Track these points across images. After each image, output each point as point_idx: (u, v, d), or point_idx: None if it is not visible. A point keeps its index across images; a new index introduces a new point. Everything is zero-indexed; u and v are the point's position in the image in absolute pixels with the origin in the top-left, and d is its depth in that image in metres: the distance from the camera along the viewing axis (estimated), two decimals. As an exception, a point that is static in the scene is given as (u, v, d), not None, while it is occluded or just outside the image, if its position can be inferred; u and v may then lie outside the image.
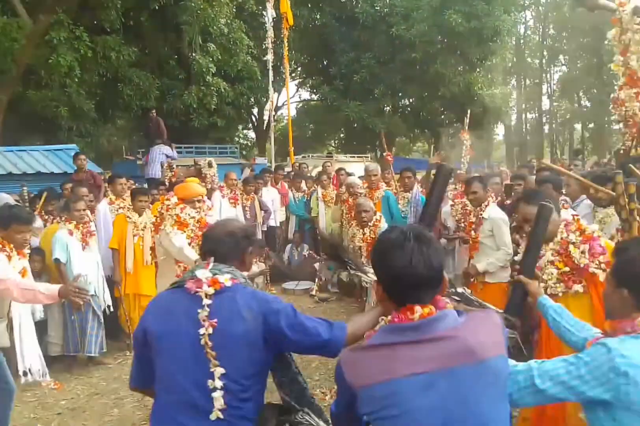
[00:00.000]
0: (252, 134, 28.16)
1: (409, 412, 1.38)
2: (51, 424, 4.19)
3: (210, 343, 1.83)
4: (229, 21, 16.08)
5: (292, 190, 9.09)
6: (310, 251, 8.40)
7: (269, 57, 14.07)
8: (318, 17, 21.94)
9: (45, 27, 11.76)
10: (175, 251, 4.89)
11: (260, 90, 18.09)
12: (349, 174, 8.63)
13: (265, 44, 14.90)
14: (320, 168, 10.53)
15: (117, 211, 6.16)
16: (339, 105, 21.36)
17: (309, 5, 21.43)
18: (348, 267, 2.53)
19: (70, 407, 4.47)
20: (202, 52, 15.56)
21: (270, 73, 14.22)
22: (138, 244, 5.69)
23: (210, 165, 7.46)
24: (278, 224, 8.88)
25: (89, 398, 4.63)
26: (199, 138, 16.89)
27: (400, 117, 22.94)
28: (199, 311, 1.86)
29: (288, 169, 11.41)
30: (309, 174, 10.54)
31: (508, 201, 5.87)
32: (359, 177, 7.92)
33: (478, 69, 21.58)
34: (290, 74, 16.39)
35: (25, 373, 3.73)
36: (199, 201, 5.12)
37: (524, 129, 38.97)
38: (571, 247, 2.93)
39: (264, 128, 24.27)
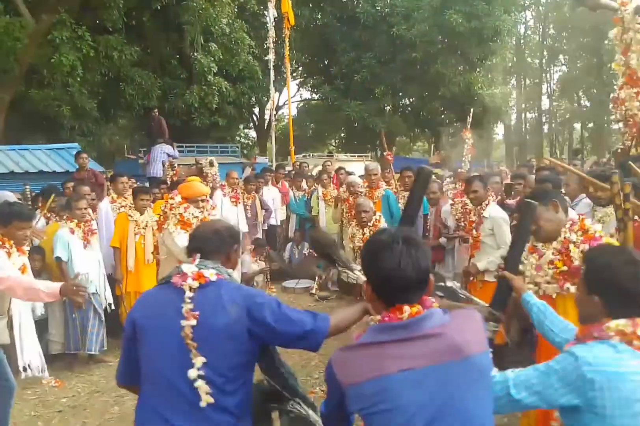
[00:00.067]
0: (253, 133, 28.19)
1: (398, 407, 1.43)
2: (52, 422, 4.21)
3: (190, 335, 1.87)
4: (230, 21, 16.09)
5: (292, 189, 9.11)
6: (311, 250, 8.42)
7: (271, 56, 14.08)
8: (319, 17, 21.93)
9: (48, 26, 11.80)
10: (178, 251, 4.89)
11: (262, 89, 18.10)
12: (350, 173, 8.65)
13: (266, 44, 14.90)
14: (320, 167, 10.55)
15: (119, 209, 6.19)
16: (339, 104, 21.36)
17: (310, 5, 21.43)
18: (336, 264, 2.61)
19: (71, 405, 4.49)
20: (204, 52, 15.57)
21: (272, 73, 14.23)
22: (139, 242, 5.72)
23: (211, 164, 7.47)
24: (279, 223, 8.90)
25: (89, 396, 4.65)
26: (200, 137, 16.91)
27: (401, 117, 22.96)
28: (183, 304, 1.91)
29: (289, 168, 11.43)
30: (309, 173, 10.56)
31: (508, 200, 5.89)
32: (359, 176, 7.94)
33: (478, 69, 21.59)
34: (291, 74, 16.38)
35: (24, 369, 3.76)
36: (202, 200, 5.12)
37: (523, 129, 38.95)
38: (571, 246, 2.94)
39: (265, 127, 24.27)
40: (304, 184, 9.18)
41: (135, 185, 7.56)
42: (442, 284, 2.50)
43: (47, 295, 3.16)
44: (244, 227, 7.53)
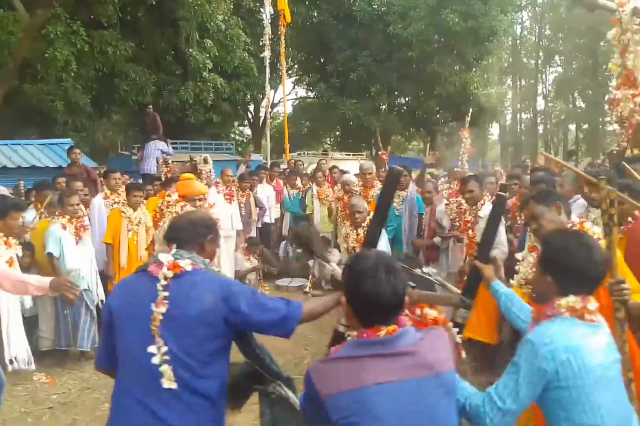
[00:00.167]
0: (247, 130, 28.15)
1: (373, 418, 1.54)
2: (42, 418, 4.18)
3: (159, 321, 1.93)
4: (226, 17, 16.05)
5: (287, 187, 9.09)
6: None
7: (266, 54, 14.07)
8: (315, 14, 21.92)
9: (42, 21, 11.70)
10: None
11: (257, 87, 18.08)
12: (344, 172, 8.64)
13: (262, 41, 14.88)
14: (315, 166, 10.53)
15: (112, 205, 6.15)
16: (335, 103, 21.34)
17: (307, 3, 21.41)
18: (315, 256, 2.74)
19: (62, 401, 4.46)
20: (199, 48, 15.53)
21: (267, 70, 14.21)
22: (132, 239, 5.69)
23: (205, 161, 7.43)
24: (273, 221, 8.89)
25: (80, 393, 4.62)
26: (194, 134, 16.85)
27: (396, 116, 22.97)
28: (158, 292, 1.97)
29: (283, 166, 11.41)
30: (304, 172, 10.54)
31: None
32: (354, 175, 7.92)
33: (474, 69, 21.62)
34: (286, 71, 16.40)
35: (11, 361, 3.75)
36: (200, 199, 5.10)
37: (518, 129, 39.06)
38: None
39: (260, 125, 24.24)
40: (298, 182, 9.16)
41: (128, 181, 7.51)
42: (419, 270, 2.62)
43: (36, 289, 3.14)
44: (238, 225, 7.50)
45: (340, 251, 6.90)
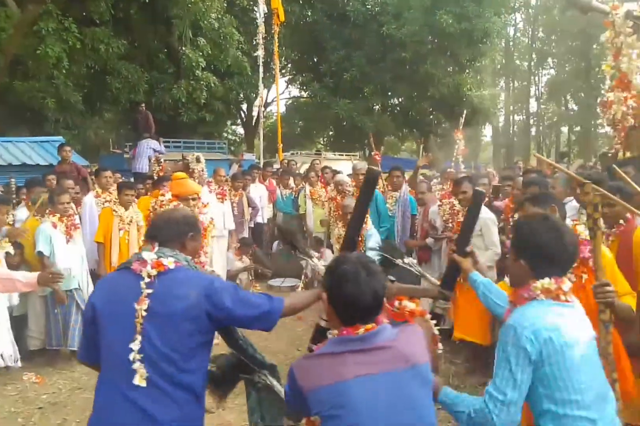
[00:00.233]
0: (240, 129, 28.09)
1: (354, 409, 1.64)
2: (32, 418, 4.15)
3: (141, 318, 1.97)
4: (219, 16, 16.00)
5: (280, 187, 9.07)
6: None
7: (260, 52, 14.00)
8: (309, 14, 21.89)
9: (34, 17, 11.63)
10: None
11: (250, 86, 18.03)
12: (337, 172, 8.63)
13: (255, 40, 14.87)
14: (308, 165, 10.51)
15: (103, 204, 6.11)
16: (328, 103, 21.34)
17: (300, 2, 21.38)
18: (298, 252, 2.82)
19: (52, 401, 4.44)
20: (192, 47, 15.47)
21: (261, 69, 14.17)
22: (124, 238, 5.65)
23: (198, 160, 7.40)
24: (265, 221, 8.87)
25: (70, 393, 4.60)
26: (187, 133, 16.79)
27: (390, 116, 22.98)
28: (142, 290, 2.01)
29: (276, 166, 11.38)
30: (297, 172, 10.53)
31: (496, 202, 5.92)
32: (347, 175, 7.91)
33: (467, 70, 21.70)
34: (280, 71, 16.37)
35: None
36: (194, 199, 5.07)
37: (511, 131, 39.22)
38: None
39: (253, 124, 24.19)
40: (291, 182, 9.14)
41: (120, 180, 7.47)
42: (400, 261, 2.72)
43: (24, 285, 3.13)
44: (230, 224, 7.47)
45: (333, 252, 6.90)
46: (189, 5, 14.46)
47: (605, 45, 5.89)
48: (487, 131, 39.27)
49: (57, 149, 8.68)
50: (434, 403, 1.81)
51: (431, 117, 22.56)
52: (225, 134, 23.86)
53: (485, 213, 4.69)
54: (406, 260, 2.76)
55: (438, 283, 2.78)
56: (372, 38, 20.88)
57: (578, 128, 35.03)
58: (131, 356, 1.95)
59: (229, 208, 7.60)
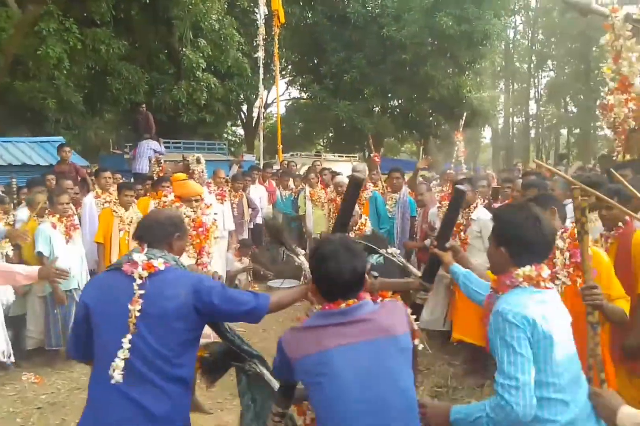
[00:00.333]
0: (240, 131, 28.06)
1: (337, 375, 1.76)
2: (30, 418, 4.15)
3: (134, 318, 2.04)
4: (220, 17, 16.01)
5: (279, 188, 9.08)
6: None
7: (260, 54, 14.02)
8: (309, 15, 21.90)
9: (35, 17, 11.63)
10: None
11: (250, 87, 18.03)
12: (337, 174, 8.63)
13: (256, 41, 14.87)
14: (308, 167, 10.52)
15: (103, 205, 6.12)
16: (328, 104, 21.34)
17: (301, 4, 21.40)
18: (285, 249, 2.92)
19: (51, 402, 4.44)
20: (193, 48, 15.47)
21: (261, 70, 14.18)
22: (124, 238, 5.65)
23: (198, 161, 7.40)
24: (265, 222, 8.86)
25: (69, 393, 4.60)
26: (187, 134, 16.78)
27: (389, 118, 22.99)
28: (134, 291, 2.08)
29: (276, 167, 11.39)
30: (297, 173, 10.54)
31: (495, 204, 5.92)
32: (347, 176, 7.92)
33: (467, 72, 21.69)
34: (280, 72, 16.38)
35: None
36: (196, 200, 5.06)
37: (510, 133, 39.26)
38: (557, 253, 2.98)
39: (253, 125, 24.19)
40: (291, 183, 9.15)
41: (121, 180, 7.48)
42: (384, 250, 2.83)
43: (24, 278, 3.13)
44: (230, 225, 7.47)
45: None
46: (190, 7, 14.47)
47: (605, 48, 5.90)
48: (487, 133, 39.37)
49: (56, 149, 8.68)
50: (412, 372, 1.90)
51: (431, 119, 22.58)
52: (225, 135, 23.84)
53: (484, 215, 4.71)
54: (390, 250, 2.86)
55: (419, 273, 2.87)
56: (372, 40, 20.89)
57: (577, 130, 35.08)
58: (120, 353, 2.01)
59: (229, 209, 7.61)
